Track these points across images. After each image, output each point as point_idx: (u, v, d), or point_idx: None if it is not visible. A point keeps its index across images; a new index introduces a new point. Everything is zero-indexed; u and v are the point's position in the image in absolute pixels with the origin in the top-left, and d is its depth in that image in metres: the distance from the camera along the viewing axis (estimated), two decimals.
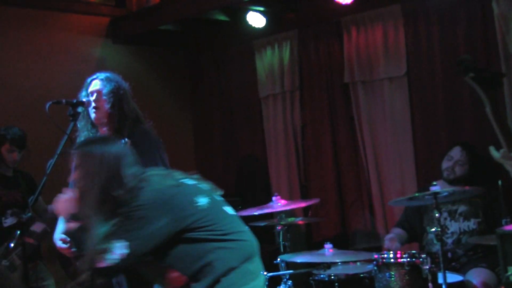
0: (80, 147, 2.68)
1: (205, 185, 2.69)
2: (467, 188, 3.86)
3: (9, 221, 4.31)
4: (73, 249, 3.09)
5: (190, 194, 2.58)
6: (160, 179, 2.58)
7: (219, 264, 2.54)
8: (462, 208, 4.24)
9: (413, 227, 4.45)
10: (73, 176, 2.61)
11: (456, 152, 4.33)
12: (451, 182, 4.28)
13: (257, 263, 2.68)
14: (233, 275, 2.55)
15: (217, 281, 2.53)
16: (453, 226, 4.22)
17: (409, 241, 4.48)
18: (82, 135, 3.35)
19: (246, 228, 2.72)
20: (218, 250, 2.56)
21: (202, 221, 2.55)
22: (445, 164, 4.35)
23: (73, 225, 2.81)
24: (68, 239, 3.10)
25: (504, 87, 4.32)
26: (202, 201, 2.59)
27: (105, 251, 2.44)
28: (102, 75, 3.38)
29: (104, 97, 3.29)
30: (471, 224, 4.20)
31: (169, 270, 2.58)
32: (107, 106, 3.28)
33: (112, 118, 3.29)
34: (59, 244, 3.14)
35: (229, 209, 2.71)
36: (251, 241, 2.69)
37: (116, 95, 3.30)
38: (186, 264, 2.55)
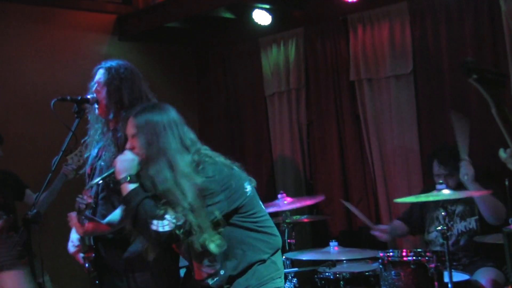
0: (137, 115, 2.62)
1: (245, 174, 2.74)
2: (476, 194, 3.82)
3: (31, 214, 4.31)
4: (81, 255, 3.09)
5: (240, 178, 2.64)
6: (214, 155, 2.62)
7: (252, 254, 2.59)
8: (459, 208, 4.20)
9: (415, 224, 4.46)
10: (131, 144, 2.60)
11: (437, 168, 4.23)
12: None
13: (281, 259, 2.75)
14: (261, 267, 2.61)
15: (245, 271, 2.57)
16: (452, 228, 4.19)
17: (409, 234, 4.53)
18: (93, 128, 3.29)
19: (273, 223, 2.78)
20: (253, 240, 2.61)
21: (247, 207, 2.61)
22: (437, 179, 4.13)
23: (90, 226, 2.80)
24: (77, 243, 3.10)
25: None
26: (248, 188, 2.65)
27: (162, 216, 2.44)
28: (107, 63, 3.23)
29: (100, 88, 3.17)
30: (467, 224, 4.16)
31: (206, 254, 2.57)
32: (103, 97, 3.15)
33: (109, 109, 3.15)
34: (70, 248, 3.14)
35: (261, 203, 2.76)
36: (279, 237, 2.75)
37: (112, 85, 3.14)
38: (224, 251, 2.56)
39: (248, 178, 2.71)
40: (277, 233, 2.74)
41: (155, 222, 2.44)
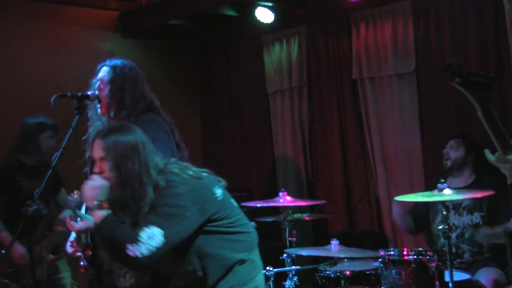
0: (105, 136, 2.54)
1: (214, 177, 2.70)
2: (478, 196, 3.82)
3: (31, 210, 4.31)
4: (79, 254, 3.08)
5: (210, 185, 2.60)
6: (181, 170, 2.56)
7: (231, 257, 2.57)
8: (466, 201, 4.22)
9: (420, 218, 4.46)
10: (100, 167, 2.53)
11: (449, 143, 4.42)
12: (449, 169, 4.30)
13: (258, 255, 2.73)
14: (241, 268, 2.59)
15: (226, 273, 2.56)
16: (457, 220, 4.21)
17: (415, 231, 4.53)
18: (94, 125, 3.29)
19: (247, 219, 2.75)
20: (230, 242, 2.59)
21: (220, 213, 2.58)
22: (445, 155, 4.42)
23: (84, 224, 2.78)
24: (75, 243, 3.10)
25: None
26: (219, 192, 2.61)
27: (139, 240, 2.39)
28: (111, 62, 3.25)
29: (103, 86, 3.18)
30: (474, 218, 4.18)
31: (184, 264, 2.57)
32: (105, 95, 3.17)
33: (110, 109, 3.17)
34: (68, 248, 3.14)
35: (234, 201, 2.73)
36: (254, 233, 2.73)
37: (115, 84, 3.16)
38: (201, 258, 2.56)
39: (217, 181, 2.67)
40: (252, 229, 2.71)
41: (130, 247, 2.39)
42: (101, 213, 2.50)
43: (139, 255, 2.38)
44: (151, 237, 2.40)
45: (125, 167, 2.48)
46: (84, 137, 3.26)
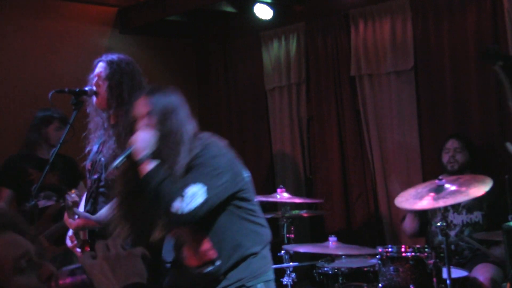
0: (150, 94, 2.64)
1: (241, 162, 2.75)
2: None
3: (41, 204, 4.30)
4: (78, 249, 3.09)
5: (240, 163, 2.68)
6: (216, 140, 2.67)
7: (246, 246, 2.58)
8: (466, 200, 4.21)
9: (421, 214, 4.45)
10: (145, 122, 2.57)
11: (451, 143, 4.39)
12: (457, 172, 4.28)
13: (270, 253, 2.74)
14: (254, 260, 2.60)
15: (239, 263, 2.56)
16: (456, 219, 4.21)
17: (419, 231, 4.47)
18: (93, 121, 3.27)
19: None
20: (248, 231, 2.61)
21: (247, 193, 2.62)
22: (445, 158, 4.39)
23: (81, 221, 2.79)
24: (75, 237, 3.11)
25: None
26: (246, 174, 2.68)
27: (183, 196, 2.42)
28: (108, 57, 3.22)
29: (101, 82, 3.16)
30: (473, 216, 4.19)
31: (203, 240, 2.56)
32: (103, 90, 3.14)
33: (110, 104, 3.14)
34: (67, 242, 3.14)
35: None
36: (269, 229, 2.75)
37: (113, 80, 3.13)
38: (219, 239, 2.55)
39: (244, 166, 2.72)
40: (267, 225, 2.73)
41: (173, 203, 2.41)
42: (151, 165, 2.51)
43: (179, 212, 2.41)
44: (194, 196, 2.42)
45: (169, 122, 2.57)
46: (84, 134, 3.26)
